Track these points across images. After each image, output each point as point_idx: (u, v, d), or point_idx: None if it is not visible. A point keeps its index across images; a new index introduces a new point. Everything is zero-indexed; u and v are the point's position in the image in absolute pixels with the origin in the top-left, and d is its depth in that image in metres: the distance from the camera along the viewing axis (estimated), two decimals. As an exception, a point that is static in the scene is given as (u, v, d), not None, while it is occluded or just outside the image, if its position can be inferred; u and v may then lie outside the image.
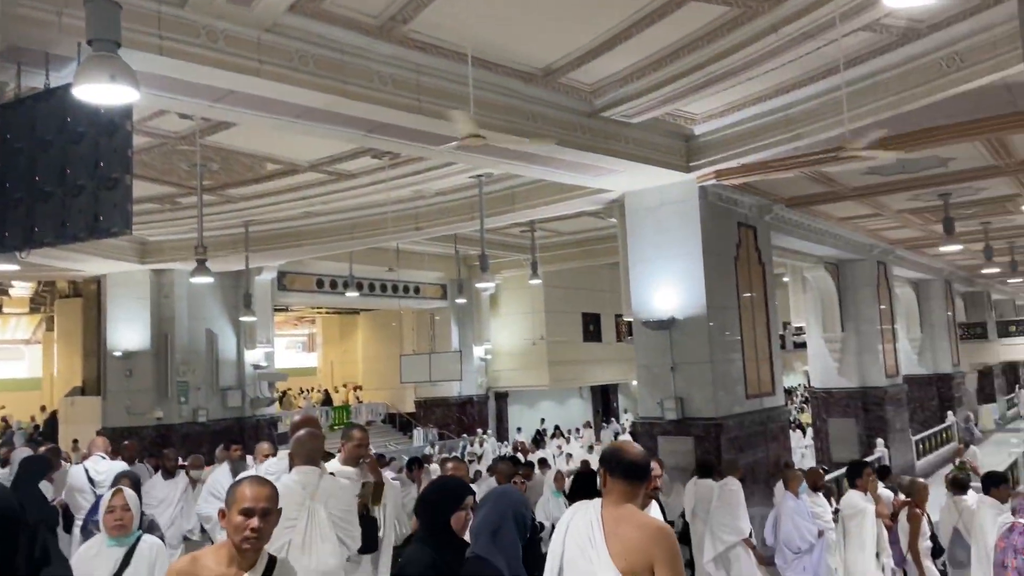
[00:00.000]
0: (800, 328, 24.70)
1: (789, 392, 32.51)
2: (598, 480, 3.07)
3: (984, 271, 22.11)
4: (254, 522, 2.99)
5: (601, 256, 20.58)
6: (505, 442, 22.76)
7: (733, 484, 7.60)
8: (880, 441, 19.10)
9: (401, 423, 26.31)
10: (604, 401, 31.19)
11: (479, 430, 22.42)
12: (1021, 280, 28.46)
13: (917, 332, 26.86)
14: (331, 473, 4.80)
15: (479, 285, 17.27)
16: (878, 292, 20.24)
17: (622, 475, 2.93)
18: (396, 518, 5.46)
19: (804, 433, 22.30)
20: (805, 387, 36.62)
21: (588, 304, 26.89)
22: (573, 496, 8.66)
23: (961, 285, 30.53)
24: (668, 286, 11.76)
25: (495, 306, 25.15)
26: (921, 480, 6.96)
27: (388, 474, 6.69)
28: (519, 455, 16.50)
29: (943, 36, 7.41)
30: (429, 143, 8.31)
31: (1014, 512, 5.28)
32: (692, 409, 11.47)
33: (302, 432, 4.78)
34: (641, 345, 12.15)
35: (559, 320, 25.44)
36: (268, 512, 3.05)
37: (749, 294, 12.73)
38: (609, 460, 2.99)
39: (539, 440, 23.13)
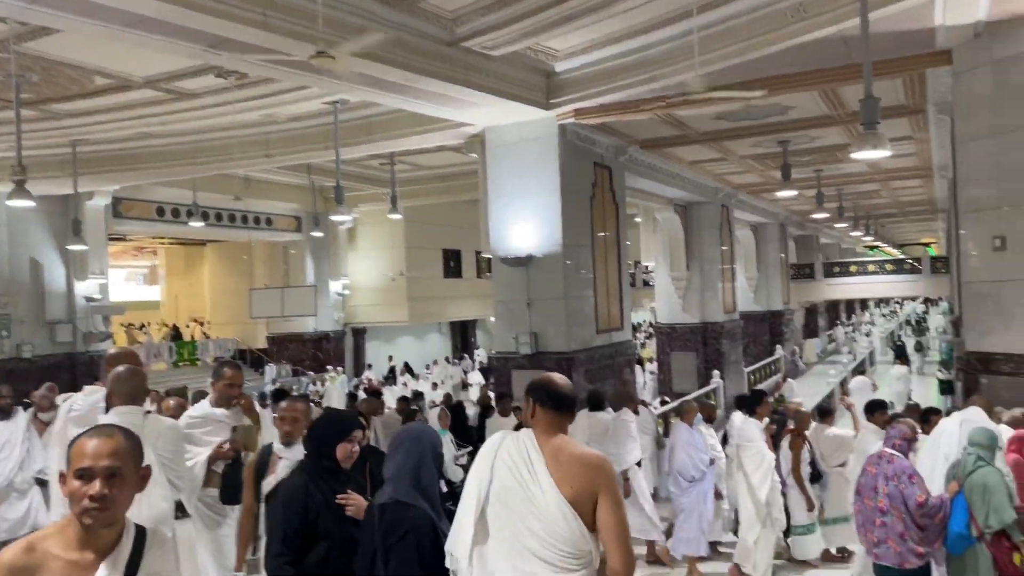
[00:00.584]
0: (649, 266, 25.86)
1: (635, 328, 34.11)
2: (525, 410, 2.99)
3: (815, 216, 23.97)
4: (95, 487, 2.27)
5: (463, 192, 20.47)
6: (359, 379, 22.47)
7: (626, 415, 7.78)
8: (716, 373, 20.52)
9: (252, 359, 25.45)
10: (463, 337, 31.54)
11: (328, 367, 21.91)
12: (846, 225, 31.07)
13: (754, 272, 28.82)
14: (149, 412, 4.38)
15: (335, 218, 16.72)
16: (721, 234, 21.46)
17: (553, 406, 2.90)
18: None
19: (643, 367, 23.55)
20: (650, 323, 38.61)
21: (449, 240, 26.82)
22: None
23: (794, 229, 32.93)
24: (526, 223, 11.88)
25: (353, 240, 24.56)
26: (804, 409, 7.33)
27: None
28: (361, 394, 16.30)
29: (789, -13, 7.73)
30: (277, 63, 7.82)
31: (887, 441, 5.53)
32: (546, 344, 11.79)
33: (121, 368, 4.21)
34: (499, 281, 12.28)
35: (419, 256, 25.25)
36: (115, 473, 2.31)
37: (603, 233, 13.10)
38: (539, 391, 2.94)
39: (391, 377, 23.02)
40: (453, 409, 12.16)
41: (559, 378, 2.97)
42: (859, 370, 25.06)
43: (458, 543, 2.84)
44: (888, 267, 31.26)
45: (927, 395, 20.97)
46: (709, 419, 7.79)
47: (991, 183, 8.65)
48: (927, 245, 51.06)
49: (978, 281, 8.99)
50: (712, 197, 20.85)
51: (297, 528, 3.34)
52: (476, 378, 22.23)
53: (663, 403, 17.65)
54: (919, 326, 42.67)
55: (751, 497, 6.65)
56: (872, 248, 50.33)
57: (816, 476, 7.23)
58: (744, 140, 15.54)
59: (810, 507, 7.04)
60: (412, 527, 3.02)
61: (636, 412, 8.74)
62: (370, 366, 24.52)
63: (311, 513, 3.37)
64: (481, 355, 28.46)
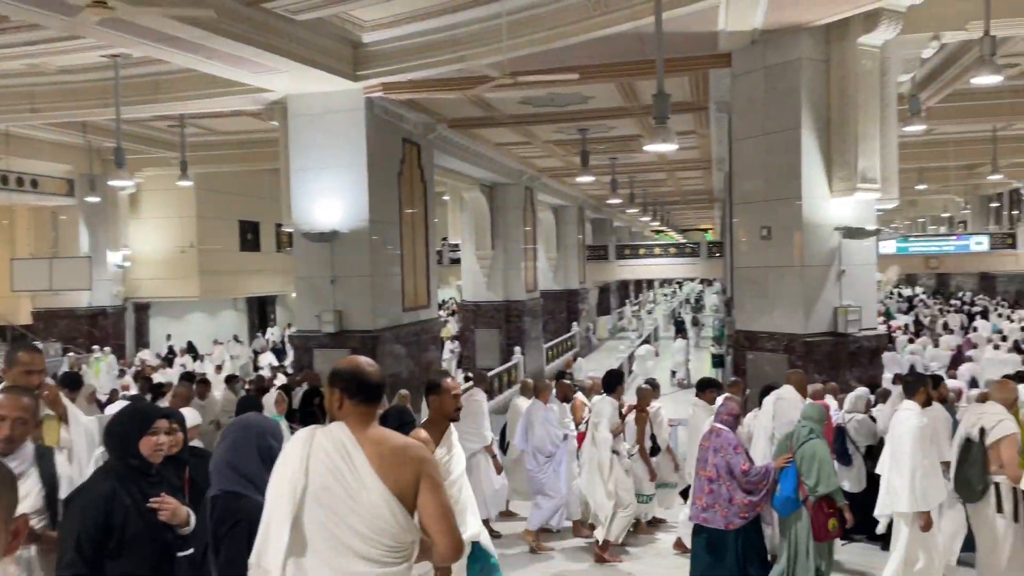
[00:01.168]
0: (456, 245, 26.09)
1: (440, 305, 34.39)
2: (330, 401, 2.70)
3: (609, 201, 25.32)
4: None
5: (262, 160, 19.33)
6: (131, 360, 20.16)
7: (478, 395, 7.80)
8: (518, 349, 21.24)
9: (14, 336, 22.61)
10: (261, 314, 30.07)
11: (95, 347, 19.63)
12: (636, 210, 33.18)
13: (554, 252, 30.01)
14: None
15: (114, 183, 15.13)
16: (524, 215, 22.11)
17: (364, 397, 2.67)
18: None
19: (442, 345, 23.73)
20: (455, 301, 39.11)
21: (246, 211, 25.34)
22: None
23: (591, 212, 34.68)
24: (331, 197, 11.50)
25: (136, 208, 22.46)
26: (647, 386, 7.73)
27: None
28: (130, 379, 14.91)
29: (592, -19, 8.03)
30: (42, 7, 6.91)
31: (716, 416, 5.88)
32: (350, 322, 11.53)
33: None
34: (301, 256, 11.81)
35: (213, 227, 23.60)
36: None
37: (411, 210, 13.00)
38: (348, 381, 2.67)
39: (170, 359, 21.01)
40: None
41: (366, 364, 2.74)
42: (645, 341, 27.04)
43: (268, 554, 2.56)
44: (672, 250, 33.81)
45: (701, 367, 23.03)
46: (565, 398, 7.99)
47: (760, 178, 9.59)
48: (705, 231, 55.83)
49: (747, 267, 9.95)
50: (517, 179, 21.39)
51: (94, 536, 3.03)
52: (268, 359, 20.81)
53: (467, 379, 17.97)
54: (697, 304, 46.76)
55: (601, 474, 6.93)
56: (658, 232, 54.23)
57: (655, 450, 7.65)
58: (547, 126, 16.06)
59: (652, 477, 7.47)
60: (244, 516, 2.84)
61: (487, 393, 8.86)
62: (147, 346, 22.45)
63: (115, 518, 3.06)
64: (274, 334, 26.94)
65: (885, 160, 9.36)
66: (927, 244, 27.78)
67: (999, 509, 5.37)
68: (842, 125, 9.04)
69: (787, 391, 6.84)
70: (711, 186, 28.45)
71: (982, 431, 5.41)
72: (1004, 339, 17.59)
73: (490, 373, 19.52)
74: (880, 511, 5.64)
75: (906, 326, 22.92)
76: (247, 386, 11.56)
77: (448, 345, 22.48)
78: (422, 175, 13.50)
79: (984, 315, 26.08)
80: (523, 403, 8.20)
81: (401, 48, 10.15)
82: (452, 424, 4.24)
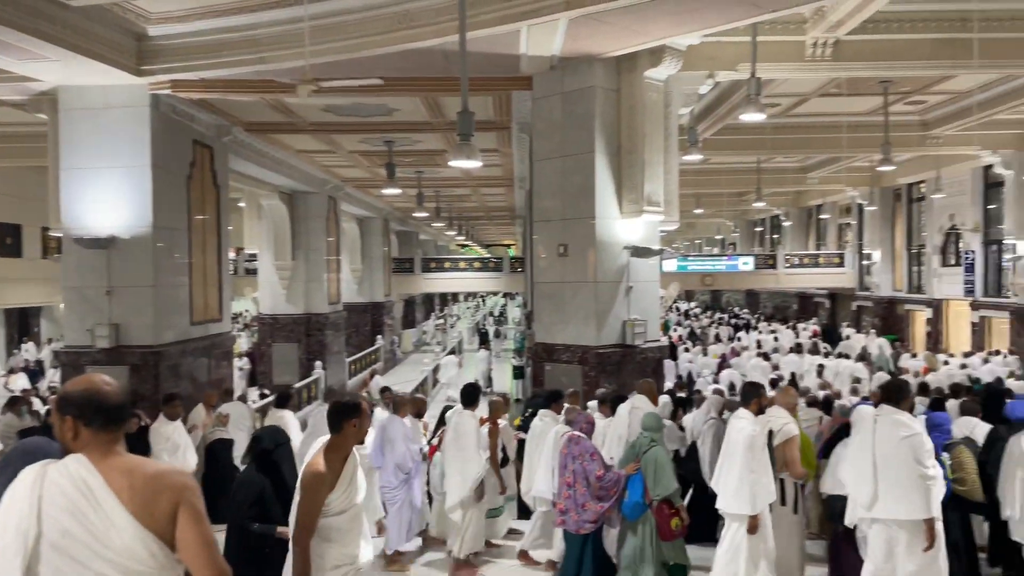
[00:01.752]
0: (253, 255, 24.84)
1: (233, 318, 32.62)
2: (62, 431, 2.34)
3: (416, 214, 25.33)
4: None
5: (25, 156, 17.30)
6: None
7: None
8: (318, 363, 20.56)
9: None
10: (23, 326, 26.78)
11: None
12: (442, 224, 33.43)
13: (358, 264, 29.47)
14: None
15: None
16: (328, 225, 21.51)
17: (103, 423, 2.34)
18: None
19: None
20: (248, 313, 37.20)
21: (5, 212, 22.54)
22: None
23: (397, 224, 34.47)
24: (109, 199, 10.50)
25: None
26: (498, 399, 7.67)
27: None
28: None
29: (399, -6, 8.00)
30: None
31: (571, 424, 6.21)
32: (129, 336, 10.57)
33: None
34: (71, 264, 10.66)
35: (-37, 228, 20.74)
36: None
37: (202, 216, 12.19)
38: (82, 406, 2.32)
39: None
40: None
41: (103, 383, 2.41)
42: (451, 353, 27.27)
43: None
44: (476, 264, 34.33)
45: (503, 379, 23.60)
46: (418, 414, 7.88)
47: (558, 198, 10.01)
48: (508, 246, 57.53)
49: (546, 282, 10.32)
50: (320, 188, 20.79)
51: None
52: (20, 383, 17.83)
53: (262, 396, 17.10)
54: (499, 317, 47.94)
55: (461, 486, 6.89)
56: (463, 246, 55.06)
57: (505, 460, 7.68)
58: (352, 135, 15.77)
59: (502, 491, 7.48)
60: None
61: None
62: None
63: None
64: (29, 351, 23.98)
65: (668, 185, 10.13)
66: (703, 263, 30.39)
67: (783, 502, 5.99)
68: (631, 151, 9.67)
69: (640, 400, 7.25)
70: (514, 203, 29.32)
71: (771, 433, 5.92)
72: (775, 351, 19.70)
73: (296, 385, 18.73)
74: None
75: (680, 337, 24.99)
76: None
77: (236, 362, 21.16)
78: (215, 179, 12.72)
79: (746, 327, 29.09)
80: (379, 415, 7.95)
81: (194, 44, 9.51)
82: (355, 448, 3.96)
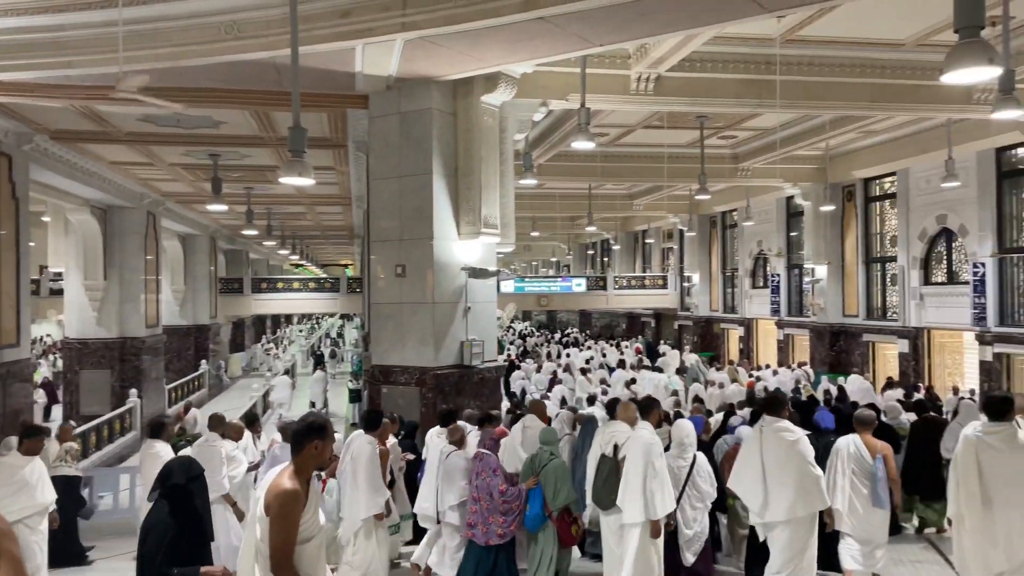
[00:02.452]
0: (59, 273, 22.72)
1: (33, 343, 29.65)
2: None
3: (245, 232, 24.21)
4: None
5: None
6: None
7: (215, 440, 7.49)
8: (134, 391, 19.06)
9: None
10: None
11: None
12: (274, 243, 32.20)
13: (181, 284, 27.73)
14: None
15: None
16: (146, 242, 20.08)
17: None
18: None
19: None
20: (52, 338, 33.98)
21: None
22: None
23: (224, 243, 32.82)
24: None
25: None
26: (387, 420, 7.54)
27: None
28: None
29: (224, 3, 7.66)
30: None
31: (457, 444, 6.72)
32: (-98, 366, 9.29)
33: None
34: None
35: None
36: None
37: (-5, 232, 11.01)
38: None
39: None
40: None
41: None
42: (285, 373, 26.23)
43: None
44: (311, 285, 33.31)
45: (341, 403, 22.99)
46: (227, 435, 7.73)
47: (396, 218, 9.93)
48: (346, 266, 56.35)
49: (383, 302, 10.18)
50: (137, 202, 19.39)
51: None
52: None
53: (73, 427, 15.58)
54: (336, 339, 46.74)
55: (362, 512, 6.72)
56: (298, 266, 53.29)
57: (392, 482, 7.64)
58: (174, 147, 14.87)
59: (387, 513, 7.31)
60: None
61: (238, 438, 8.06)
62: None
63: None
64: None
65: (504, 208, 10.34)
66: (539, 284, 31.35)
67: None
68: (468, 174, 9.79)
69: (530, 419, 7.74)
70: (351, 222, 28.80)
71: (615, 447, 6.22)
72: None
73: (102, 419, 17.22)
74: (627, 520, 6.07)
75: (518, 355, 25.60)
76: None
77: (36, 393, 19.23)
78: (13, 191, 11.54)
79: (575, 345, 30.26)
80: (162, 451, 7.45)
81: (-12, 42, 8.60)
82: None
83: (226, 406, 20.29)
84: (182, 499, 4.63)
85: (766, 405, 6.16)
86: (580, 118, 9.96)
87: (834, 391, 14.27)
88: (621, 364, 20.90)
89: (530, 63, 9.35)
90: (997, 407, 5.60)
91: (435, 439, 7.44)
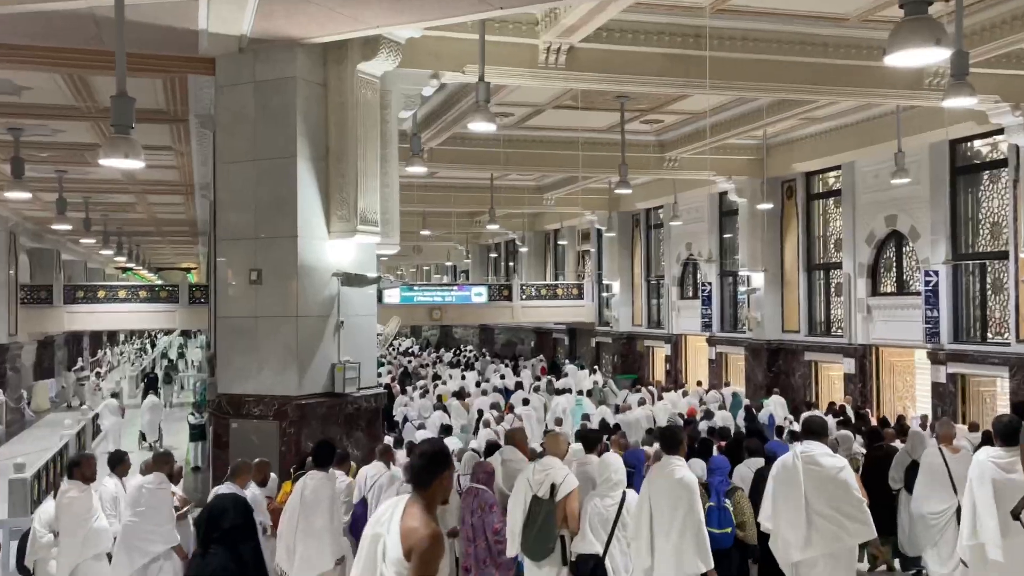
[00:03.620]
0: None
1: None
2: None
3: (56, 227, 23.06)
4: None
5: None
6: None
7: (165, 483, 7.64)
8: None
9: None
10: None
11: None
12: (95, 241, 30.89)
13: (-30, 293, 26.24)
14: None
15: None
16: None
17: None
18: None
19: None
20: None
21: None
22: None
23: (28, 240, 31.23)
24: None
25: None
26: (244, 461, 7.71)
27: None
28: None
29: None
30: None
31: (472, 477, 7.33)
32: None
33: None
34: None
35: None
36: None
37: None
38: None
39: None
40: None
41: None
42: (113, 396, 25.19)
43: None
44: (142, 294, 32.08)
45: (179, 440, 22.17)
46: (176, 477, 8.20)
47: (250, 211, 9.73)
48: (187, 271, 54.75)
49: (234, 316, 9.95)
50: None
51: None
52: None
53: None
54: (173, 362, 45.21)
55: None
56: (126, 270, 51.36)
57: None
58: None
59: None
60: None
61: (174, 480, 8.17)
62: None
63: None
64: None
65: (386, 201, 10.30)
66: (431, 294, 31.28)
67: (564, 562, 6.60)
68: (341, 158, 9.70)
69: (509, 451, 8.18)
70: (194, 216, 28.03)
71: (553, 487, 6.49)
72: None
73: None
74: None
75: (394, 377, 25.55)
76: None
77: None
78: None
79: (468, 366, 30.43)
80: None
81: None
82: None
83: (29, 448, 19.26)
84: (243, 541, 4.95)
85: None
86: (479, 95, 10.04)
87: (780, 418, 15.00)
88: (519, 386, 21.18)
89: (418, 26, 9.37)
90: (1008, 430, 6.15)
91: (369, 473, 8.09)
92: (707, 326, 24.74)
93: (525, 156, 20.06)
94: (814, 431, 6.49)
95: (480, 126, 10.39)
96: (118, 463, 8.63)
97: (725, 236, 25.08)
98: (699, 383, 23.27)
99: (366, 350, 10.43)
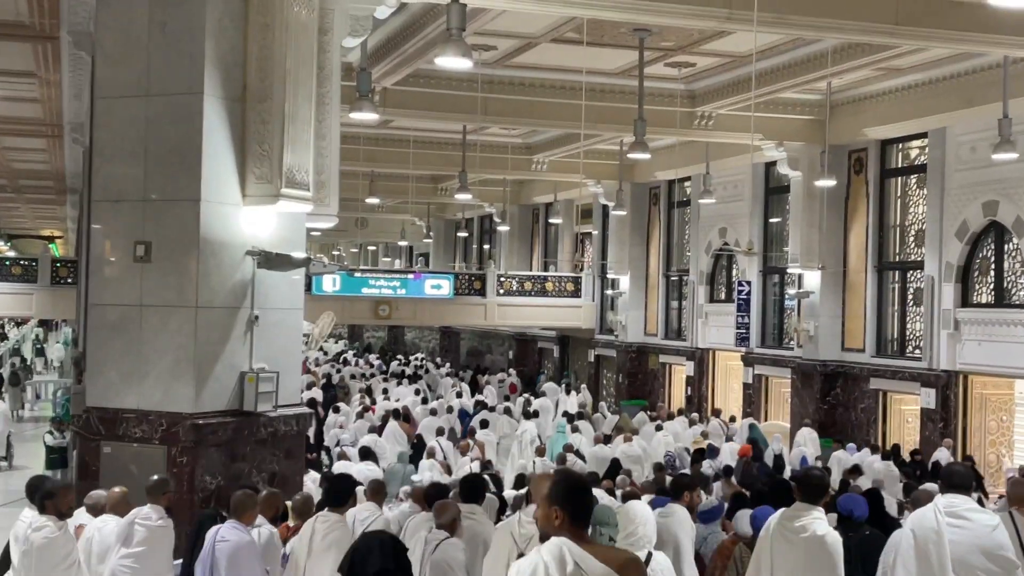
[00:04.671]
0: None
1: None
2: None
3: None
4: None
5: None
6: None
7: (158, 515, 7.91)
8: None
9: None
10: None
11: None
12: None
13: None
14: None
15: None
16: None
17: None
18: None
19: None
20: None
21: None
22: None
23: None
24: None
25: None
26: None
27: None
28: None
29: None
30: None
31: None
32: None
33: None
34: None
35: None
36: None
37: None
38: None
39: None
40: None
41: None
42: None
43: None
44: (-11, 270, 31.92)
45: (34, 462, 22.00)
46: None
47: (138, 163, 9.66)
48: (50, 240, 54.35)
49: (111, 304, 9.88)
50: None
51: None
52: None
53: None
54: (28, 361, 44.83)
55: None
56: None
57: None
58: None
59: None
60: None
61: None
62: None
63: None
64: None
65: (322, 157, 10.30)
66: (379, 283, 31.01)
67: None
68: (263, 98, 9.65)
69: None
70: (62, 167, 27.91)
71: None
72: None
73: None
74: None
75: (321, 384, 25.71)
76: None
77: None
78: None
79: (409, 378, 30.48)
80: None
81: None
82: None
83: None
84: None
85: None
86: (451, 20, 10.01)
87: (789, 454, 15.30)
88: (480, 406, 21.33)
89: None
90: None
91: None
92: (743, 339, 24.71)
93: (509, 104, 20.07)
94: (957, 483, 6.71)
95: (451, 61, 10.38)
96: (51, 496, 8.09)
97: (771, 221, 25.16)
98: (716, 412, 23.34)
99: (288, 355, 10.42)
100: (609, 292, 31.17)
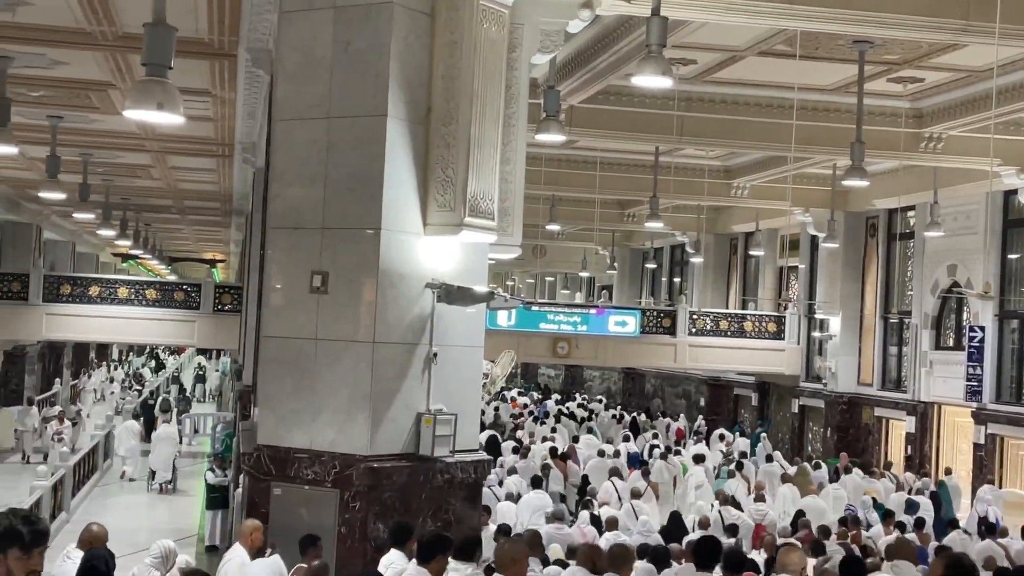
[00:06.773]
0: None
1: None
2: None
3: (43, 194, 23.78)
4: None
5: None
6: None
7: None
8: None
9: None
10: None
11: None
12: (93, 216, 31.93)
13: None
14: None
15: None
16: None
17: None
18: None
19: None
20: None
21: None
22: None
23: (1, 210, 32.81)
24: None
25: None
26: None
27: None
28: None
29: None
30: None
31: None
32: None
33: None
34: None
35: None
36: None
37: None
38: None
39: None
40: None
41: None
42: (135, 417, 26.14)
43: None
44: (150, 294, 32.60)
45: (188, 502, 22.83)
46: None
47: (317, 188, 9.95)
48: (212, 264, 56.10)
49: (284, 336, 10.19)
50: None
51: None
52: None
53: None
54: (187, 391, 46.22)
55: None
56: (128, 259, 52.88)
57: None
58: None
59: None
60: None
61: None
62: None
63: None
64: None
65: (507, 183, 10.41)
66: (557, 319, 31.10)
67: None
68: (448, 120, 9.83)
69: None
70: (229, 188, 28.77)
71: None
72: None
73: None
74: None
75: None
76: None
77: None
78: None
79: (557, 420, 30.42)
80: None
81: None
82: None
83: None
84: None
85: None
86: (650, 34, 10.06)
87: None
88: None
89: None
90: None
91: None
92: (975, 393, 23.97)
93: (709, 123, 20.04)
94: None
95: (650, 80, 10.39)
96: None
97: (1010, 257, 24.39)
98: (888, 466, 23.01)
99: (466, 396, 10.52)
100: (817, 334, 30.65)
